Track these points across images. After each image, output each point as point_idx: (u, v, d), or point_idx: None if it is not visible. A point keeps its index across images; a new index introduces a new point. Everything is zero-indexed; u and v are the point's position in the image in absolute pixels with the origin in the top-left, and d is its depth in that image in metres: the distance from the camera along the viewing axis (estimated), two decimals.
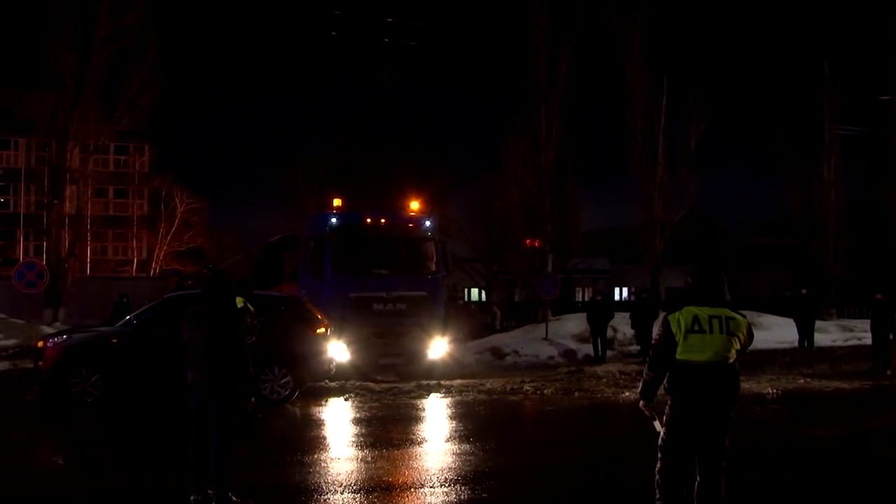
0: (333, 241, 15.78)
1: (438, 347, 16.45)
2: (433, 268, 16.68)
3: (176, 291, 16.45)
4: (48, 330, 18.40)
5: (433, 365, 16.49)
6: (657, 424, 5.49)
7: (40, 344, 12.61)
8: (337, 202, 16.47)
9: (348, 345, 15.33)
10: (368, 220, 16.46)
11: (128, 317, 13.23)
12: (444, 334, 16.78)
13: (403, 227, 16.81)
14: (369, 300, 15.71)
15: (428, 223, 16.99)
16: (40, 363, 12.21)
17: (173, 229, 45.66)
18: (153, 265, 45.08)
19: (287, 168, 48.01)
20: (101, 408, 11.85)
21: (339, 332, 15.14)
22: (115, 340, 12.37)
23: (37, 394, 12.59)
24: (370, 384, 14.35)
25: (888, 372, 16.89)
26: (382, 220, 16.64)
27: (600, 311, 20.10)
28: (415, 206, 17.32)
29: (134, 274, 43.29)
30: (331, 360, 13.53)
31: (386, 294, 15.85)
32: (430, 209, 18.08)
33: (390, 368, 16.00)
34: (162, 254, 45.47)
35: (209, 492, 6.23)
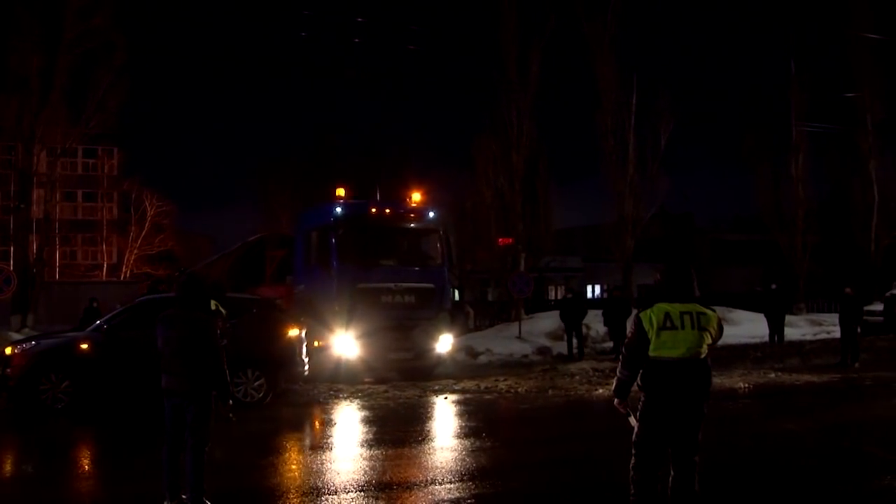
0: (339, 232, 15.35)
1: (446, 341, 16.25)
2: (439, 259, 16.43)
3: (148, 295, 16.25)
4: (16, 336, 18.13)
5: (441, 360, 16.37)
6: (632, 420, 5.53)
7: (8, 350, 12.39)
8: (340, 192, 15.94)
9: (357, 338, 15.07)
10: (374, 210, 16.13)
11: (98, 322, 13.07)
12: (451, 328, 16.59)
13: (408, 217, 16.44)
14: (378, 291, 15.37)
15: (432, 214, 16.66)
16: (8, 370, 12.00)
17: (143, 233, 45.19)
18: (123, 269, 44.59)
19: (260, 170, 47.89)
20: (72, 414, 11.68)
21: (347, 324, 14.95)
22: (85, 346, 12.20)
23: (5, 401, 12.35)
24: (343, 385, 14.29)
25: (856, 365, 17.13)
26: (387, 210, 16.31)
27: (573, 309, 20.19)
28: (417, 196, 16.82)
29: (104, 278, 42.76)
30: (305, 362, 13.45)
31: (394, 285, 15.52)
32: (431, 201, 17.71)
33: (399, 363, 15.79)
34: (132, 258, 44.99)
35: (183, 497, 6.17)
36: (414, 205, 16.61)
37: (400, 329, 15.52)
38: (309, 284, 15.97)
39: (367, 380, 15.16)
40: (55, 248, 38.74)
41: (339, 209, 15.56)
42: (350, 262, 15.29)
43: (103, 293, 26.99)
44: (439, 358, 16.32)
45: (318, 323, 15.18)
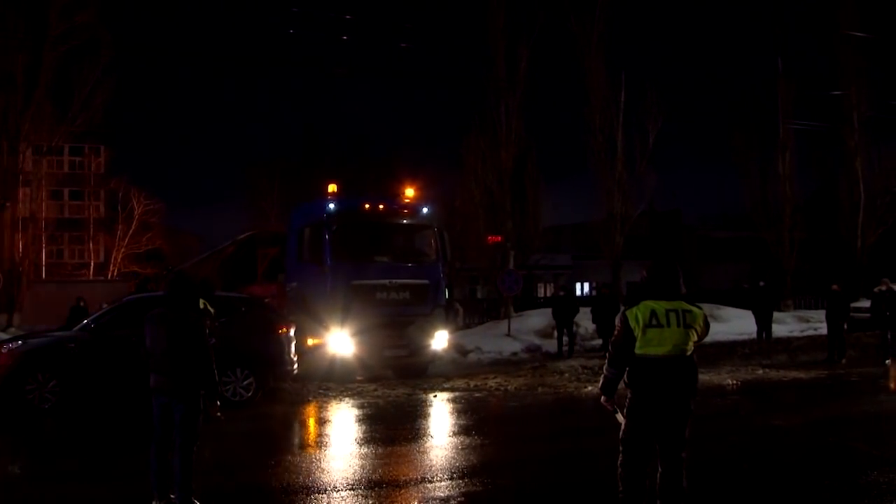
0: (333, 228, 15.12)
1: (441, 338, 16.09)
2: (433, 256, 16.20)
3: (136, 294, 16.15)
4: (2, 336, 18.02)
5: (436, 356, 16.26)
6: (619, 416, 5.55)
7: None
8: (332, 188, 15.70)
9: (352, 336, 14.89)
10: (367, 206, 15.89)
11: (85, 321, 13.00)
12: (446, 325, 16.44)
13: (402, 213, 16.23)
14: (372, 288, 15.16)
15: (426, 210, 16.43)
16: None
17: (131, 231, 44.94)
18: (111, 268, 44.34)
19: (248, 168, 47.83)
20: (59, 414, 11.62)
21: (342, 322, 14.79)
22: (72, 345, 12.13)
23: None
24: (332, 384, 14.26)
25: (843, 361, 17.23)
26: (381, 206, 16.06)
27: (565, 307, 20.23)
28: (410, 192, 16.54)
29: (91, 277, 42.53)
30: (293, 361, 13.40)
31: (389, 282, 15.33)
32: (426, 196, 17.52)
33: (394, 361, 15.64)
34: (120, 256, 44.73)
35: (171, 496, 6.15)
36: (407, 200, 16.40)
37: (395, 326, 15.36)
38: (302, 282, 15.78)
39: (358, 378, 15.10)
40: (41, 247, 38.59)
41: (332, 205, 15.35)
42: (344, 258, 15.10)
43: (90, 292, 26.85)
44: (435, 354, 16.18)
45: (311, 320, 15.05)
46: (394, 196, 17.07)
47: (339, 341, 14.91)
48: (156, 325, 6.28)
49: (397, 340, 15.45)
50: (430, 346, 15.90)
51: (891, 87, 32.26)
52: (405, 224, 16.33)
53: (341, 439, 10.22)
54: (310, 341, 15.09)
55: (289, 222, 17.34)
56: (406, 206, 16.34)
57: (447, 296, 17.06)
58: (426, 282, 15.85)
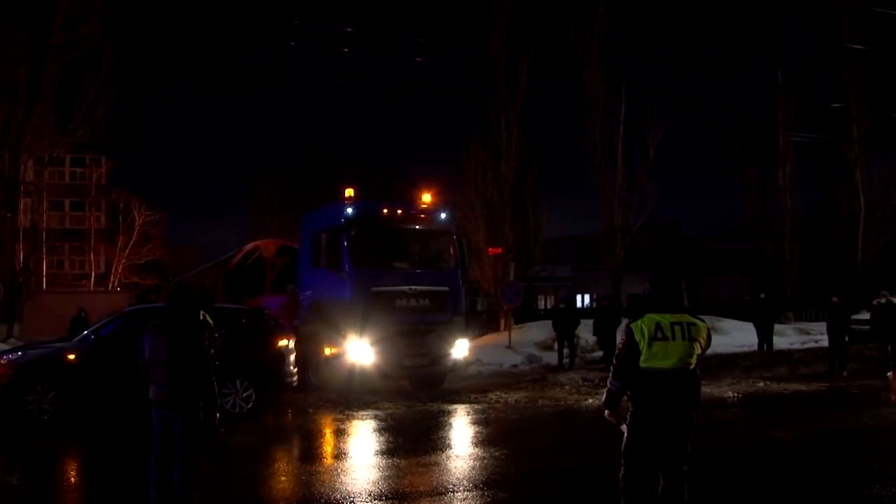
0: (351, 233, 14.74)
1: (461, 347, 15.76)
2: (452, 262, 15.90)
3: (137, 305, 16.13)
4: (2, 346, 18.00)
5: (456, 365, 15.99)
6: (624, 427, 5.53)
7: None
8: (349, 192, 15.23)
9: (372, 344, 14.53)
10: (385, 211, 15.54)
11: (85, 332, 12.98)
12: (465, 333, 16.16)
13: (420, 218, 15.84)
14: (392, 295, 14.81)
15: (443, 215, 16.10)
16: None
17: (132, 242, 44.85)
18: (111, 279, 44.28)
19: (249, 181, 47.97)
20: (58, 426, 11.58)
21: (361, 330, 14.46)
22: (72, 356, 12.10)
23: None
24: (331, 395, 14.21)
25: (844, 373, 17.20)
26: (399, 211, 15.72)
27: (566, 319, 20.20)
28: (427, 198, 16.11)
29: (92, 288, 42.45)
30: (293, 373, 13.35)
31: (409, 289, 14.95)
32: (443, 202, 17.15)
33: (414, 370, 15.28)
34: (120, 267, 44.64)
35: None
36: (425, 206, 16.07)
37: (415, 334, 15.03)
38: (317, 289, 15.50)
39: (364, 391, 14.90)
40: (42, 258, 38.60)
41: (350, 209, 14.97)
42: (363, 264, 14.78)
43: (91, 303, 26.77)
44: (455, 364, 15.85)
45: (328, 329, 14.85)
46: (411, 201, 16.74)
47: (359, 350, 14.52)
48: (155, 336, 6.27)
49: (417, 349, 15.09)
50: (450, 354, 15.53)
51: (890, 100, 32.46)
52: (424, 230, 15.94)
53: (339, 452, 10.19)
54: (327, 350, 14.88)
55: (302, 228, 16.87)
56: (424, 211, 15.97)
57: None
58: (446, 289, 15.49)
